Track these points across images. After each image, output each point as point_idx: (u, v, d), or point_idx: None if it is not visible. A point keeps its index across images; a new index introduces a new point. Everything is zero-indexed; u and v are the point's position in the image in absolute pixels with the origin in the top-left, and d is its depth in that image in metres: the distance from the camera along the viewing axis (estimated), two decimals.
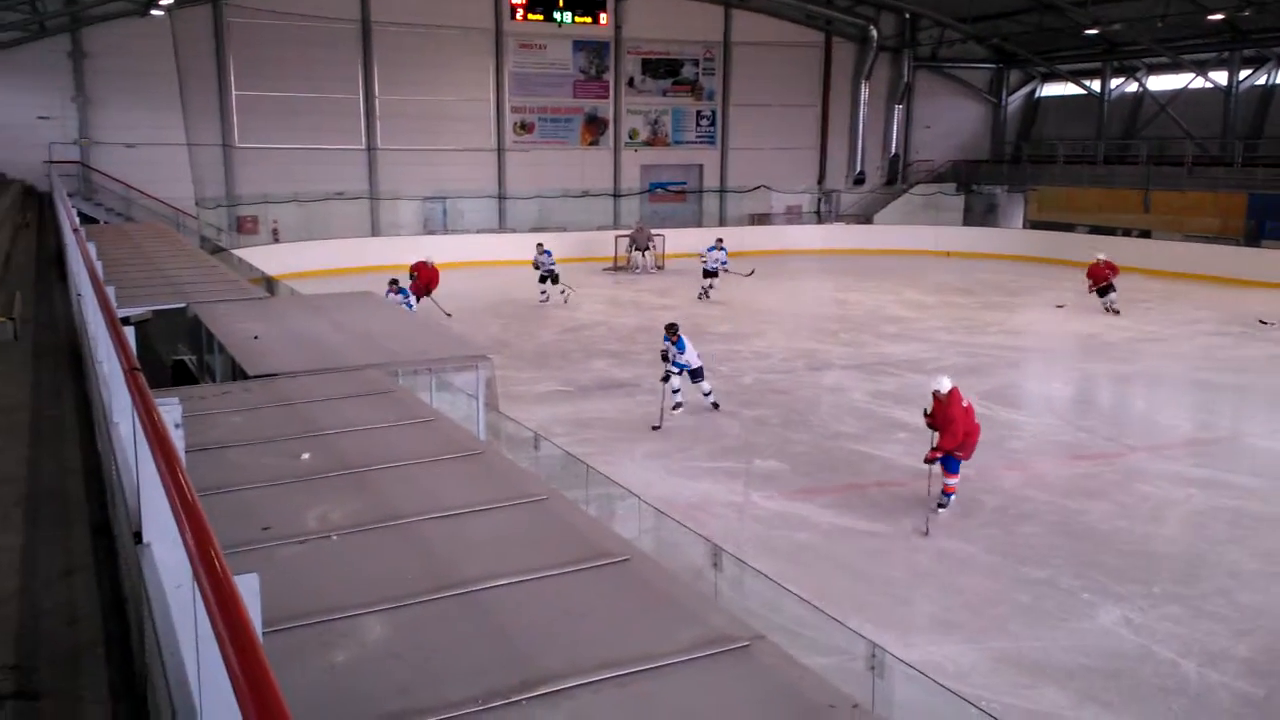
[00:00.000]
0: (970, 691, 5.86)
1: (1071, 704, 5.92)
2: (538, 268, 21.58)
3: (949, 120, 37.45)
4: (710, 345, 16.97)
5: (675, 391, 12.50)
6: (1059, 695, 6.01)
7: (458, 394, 7.46)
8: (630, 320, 19.76)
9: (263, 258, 20.74)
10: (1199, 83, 31.59)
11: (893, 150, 36.58)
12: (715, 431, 11.90)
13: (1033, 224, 33.83)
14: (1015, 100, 38.44)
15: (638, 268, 27.53)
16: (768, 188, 34.37)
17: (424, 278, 19.38)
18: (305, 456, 4.46)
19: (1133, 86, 34.65)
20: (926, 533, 8.61)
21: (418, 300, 18.23)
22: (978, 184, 36.03)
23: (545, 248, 22.06)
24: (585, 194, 32.04)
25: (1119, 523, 8.92)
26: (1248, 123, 30.71)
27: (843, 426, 12.18)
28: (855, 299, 22.94)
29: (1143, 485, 9.98)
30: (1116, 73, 34.77)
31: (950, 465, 9.12)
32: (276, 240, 26.70)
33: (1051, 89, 38.27)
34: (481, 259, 27.21)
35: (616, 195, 32.93)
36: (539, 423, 10.56)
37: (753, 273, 22.55)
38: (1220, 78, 30.89)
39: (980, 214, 35.40)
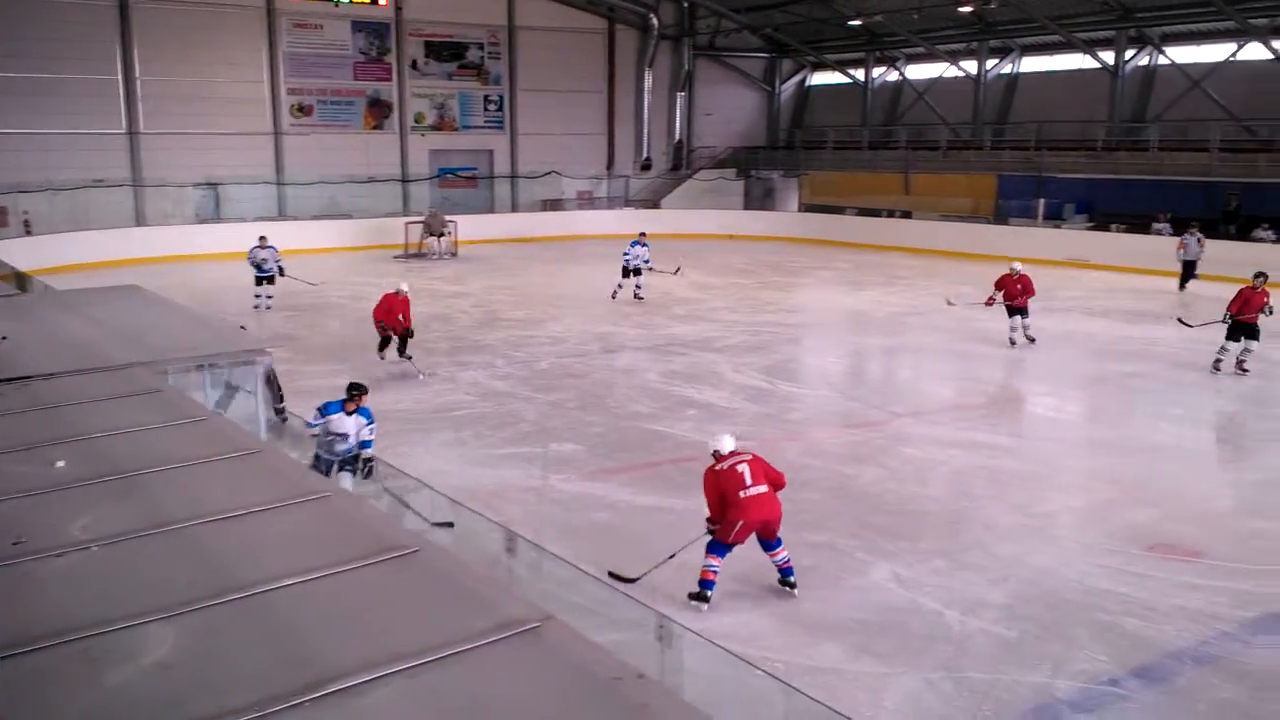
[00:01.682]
0: (756, 654, 6.16)
1: (849, 658, 6.32)
2: (257, 266, 18.47)
3: (728, 108, 38.71)
4: (506, 331, 16.97)
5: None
6: (837, 650, 6.40)
7: (235, 391, 7.15)
8: (423, 309, 19.36)
9: (13, 252, 19.05)
10: (952, 71, 33.95)
11: (677, 136, 37.47)
12: (512, 417, 11.90)
13: (807, 207, 35.50)
14: (788, 88, 40.12)
15: (433, 254, 27.07)
16: (558, 173, 34.48)
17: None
18: (60, 464, 4.18)
19: (893, 75, 36.87)
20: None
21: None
22: (756, 169, 37.47)
23: (268, 242, 18.85)
24: (371, 180, 31.16)
25: (889, 485, 9.55)
26: (995, 109, 33.29)
27: (637, 407, 12.43)
28: (645, 281, 23.34)
29: (908, 449, 10.71)
30: (878, 62, 36.89)
31: (712, 546, 7.12)
32: (28, 232, 24.56)
33: (820, 78, 40.19)
34: None
35: (405, 181, 32.20)
36: None
37: (679, 270, 21.14)
38: (970, 67, 33.32)
39: (759, 198, 36.83)
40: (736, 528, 6.99)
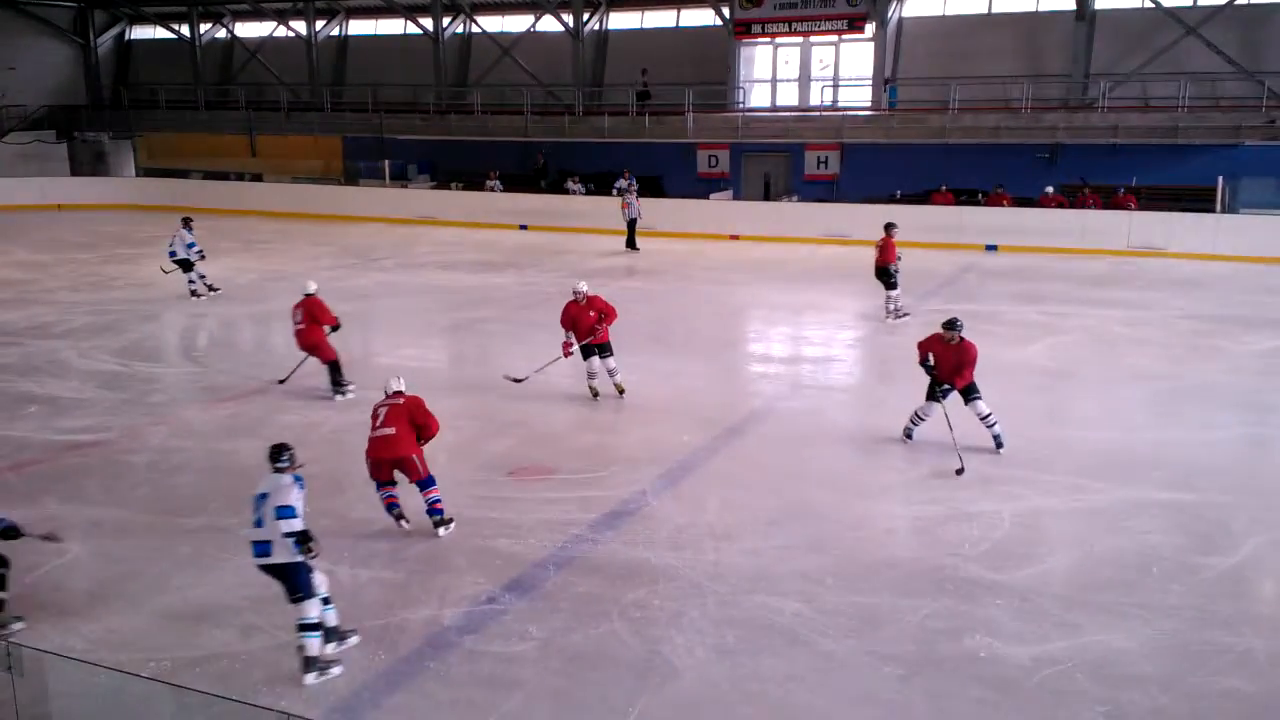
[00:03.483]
0: (138, 657, 5.79)
1: (242, 638, 6.21)
2: None
3: (36, 62, 34.19)
4: None
5: None
6: (229, 633, 6.24)
7: None
8: None
9: None
10: (283, 31, 33.50)
11: None
12: None
13: (145, 171, 32.89)
14: (105, 42, 36.57)
15: None
16: None
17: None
18: None
19: (222, 33, 35.38)
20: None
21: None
22: (80, 131, 33.67)
23: None
24: None
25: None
26: (330, 72, 33.61)
27: None
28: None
29: (287, 416, 10.65)
30: (204, 18, 35.10)
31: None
32: None
33: (142, 32, 37.22)
34: None
35: None
36: None
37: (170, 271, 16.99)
38: (300, 27, 33.13)
39: (89, 163, 33.24)
40: (368, 463, 7.74)
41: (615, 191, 25.36)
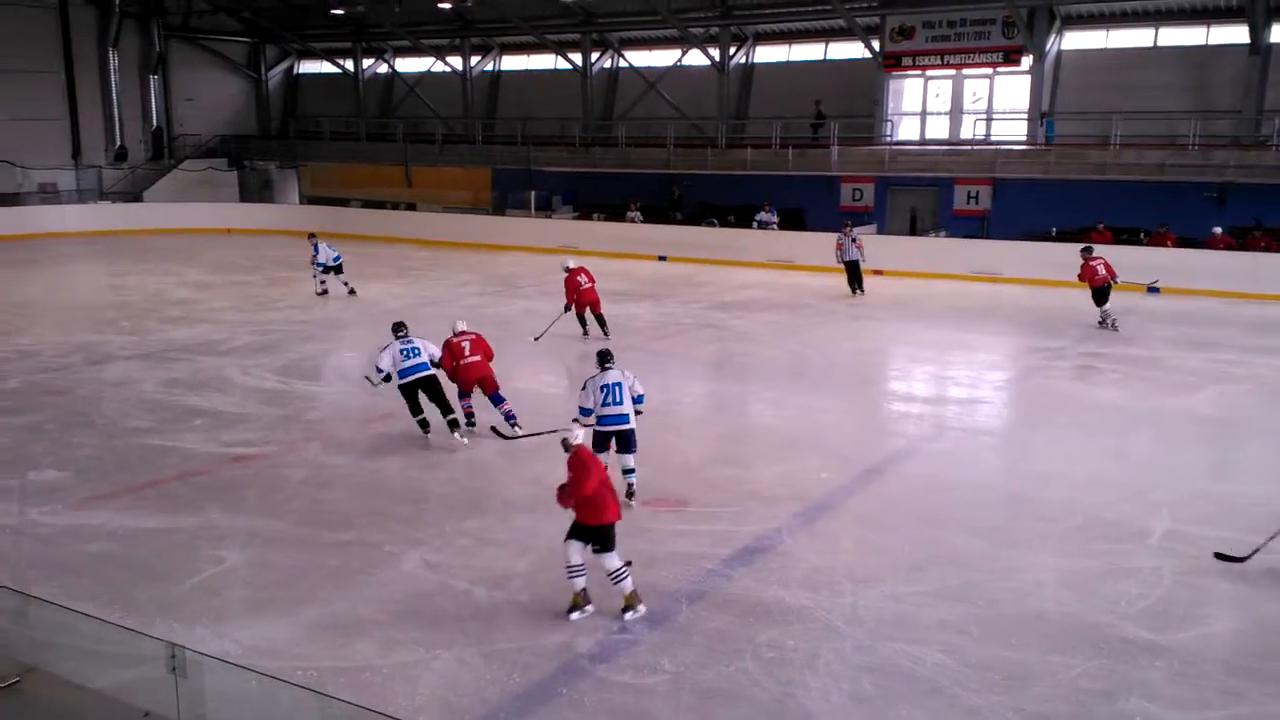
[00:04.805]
0: (286, 665, 5.98)
1: (382, 652, 6.35)
2: None
3: (211, 94, 36.51)
4: None
5: None
6: (371, 646, 6.41)
7: None
8: None
9: None
10: (439, 66, 34.82)
11: (155, 124, 34.56)
12: None
13: (308, 199, 34.55)
14: (275, 76, 38.71)
15: None
16: (12, 164, 30.21)
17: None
18: None
19: (383, 68, 36.99)
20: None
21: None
22: (249, 159, 35.69)
23: None
24: None
25: (410, 474, 9.69)
26: (483, 105, 34.69)
27: (134, 421, 11.41)
28: (133, 283, 21.44)
29: (429, 436, 10.93)
30: (367, 53, 36.77)
31: (459, 395, 10.84)
32: None
33: (309, 66, 39.23)
34: None
35: None
36: None
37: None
38: (456, 63, 34.38)
39: (257, 190, 35.20)
40: (459, 382, 10.69)
41: (756, 224, 25.34)
